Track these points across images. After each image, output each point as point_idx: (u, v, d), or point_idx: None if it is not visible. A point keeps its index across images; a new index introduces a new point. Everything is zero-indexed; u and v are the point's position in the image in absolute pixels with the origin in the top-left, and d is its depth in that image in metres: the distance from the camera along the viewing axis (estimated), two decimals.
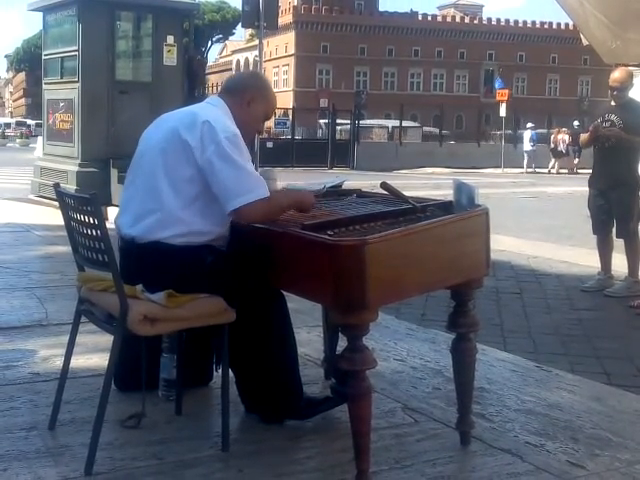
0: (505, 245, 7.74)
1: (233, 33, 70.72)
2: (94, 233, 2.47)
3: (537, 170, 27.34)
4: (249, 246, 2.68)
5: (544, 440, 2.82)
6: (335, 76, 65.52)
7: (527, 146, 28.00)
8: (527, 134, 28.25)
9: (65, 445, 2.63)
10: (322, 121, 29.89)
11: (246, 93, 2.82)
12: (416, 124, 37.72)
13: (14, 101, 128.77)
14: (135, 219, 2.68)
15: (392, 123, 35.86)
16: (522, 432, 2.89)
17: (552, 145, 27.35)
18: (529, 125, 28.66)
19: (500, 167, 27.62)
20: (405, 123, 33.88)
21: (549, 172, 26.75)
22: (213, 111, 2.73)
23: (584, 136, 6.24)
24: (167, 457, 2.58)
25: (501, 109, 28.06)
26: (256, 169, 2.73)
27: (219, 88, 3.03)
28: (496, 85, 31.29)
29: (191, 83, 10.75)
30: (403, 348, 3.95)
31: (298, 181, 3.84)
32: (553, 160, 27.44)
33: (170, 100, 9.26)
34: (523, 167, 27.93)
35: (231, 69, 76.35)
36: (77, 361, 3.13)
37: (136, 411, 2.81)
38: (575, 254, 7.64)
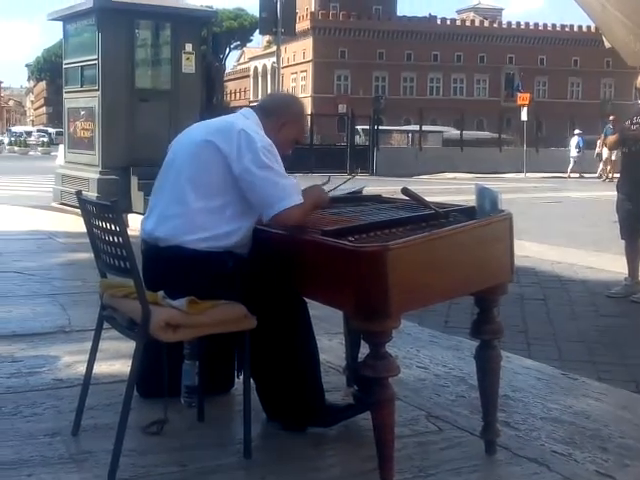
0: (529, 251, 7.67)
1: (251, 40, 71.08)
2: (116, 240, 2.48)
3: (584, 175, 26.97)
4: (270, 253, 2.68)
5: (571, 449, 2.78)
6: (353, 82, 65.55)
7: (573, 152, 27.70)
8: (574, 140, 27.91)
9: (88, 451, 2.64)
10: (360, 127, 29.82)
11: (281, 117, 2.87)
12: (450, 128, 37.06)
13: (35, 110, 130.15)
14: (160, 222, 2.71)
15: (430, 128, 35.60)
16: (549, 441, 2.85)
17: (598, 150, 26.95)
18: (577, 131, 28.28)
19: (522, 172, 27.44)
20: (436, 128, 33.63)
21: (599, 177, 26.23)
22: (248, 123, 2.77)
23: (611, 138, 6.20)
24: (189, 464, 2.57)
25: (522, 113, 27.88)
26: None
27: (248, 97, 3.05)
28: (516, 88, 31.00)
29: (209, 90, 10.85)
30: (426, 355, 3.92)
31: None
32: (601, 165, 26.96)
33: (189, 107, 9.34)
34: (566, 172, 27.57)
35: (249, 76, 76.70)
36: (100, 367, 3.14)
37: (158, 418, 2.81)
38: (601, 260, 7.56)
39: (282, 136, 2.86)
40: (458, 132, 32.14)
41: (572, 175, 27.20)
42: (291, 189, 2.65)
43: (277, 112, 2.88)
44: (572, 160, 27.71)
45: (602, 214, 10.03)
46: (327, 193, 2.88)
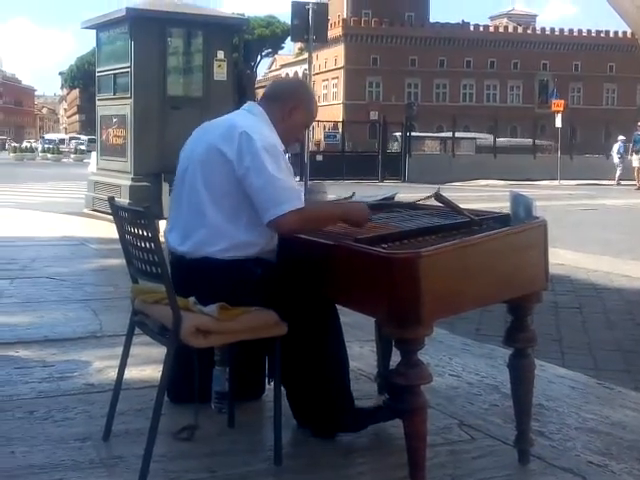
0: (564, 259, 7.58)
1: (282, 47, 71.36)
2: (147, 246, 2.48)
3: (621, 183, 26.49)
4: (301, 259, 2.65)
5: (608, 460, 2.72)
6: (385, 88, 65.49)
7: (616, 158, 27.28)
8: (616, 146, 27.49)
9: (119, 456, 2.64)
10: (398, 134, 29.74)
11: (288, 101, 2.79)
12: (487, 135, 36.49)
13: (68, 117, 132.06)
14: (183, 236, 2.69)
15: (464, 135, 35.23)
16: (584, 451, 2.80)
17: (629, 157, 26.46)
18: (620, 137, 27.87)
19: (556, 179, 27.17)
20: (470, 134, 33.26)
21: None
22: (251, 120, 2.72)
23: None
24: (220, 470, 2.56)
25: (557, 120, 27.62)
26: (306, 182, 2.72)
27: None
28: (552, 95, 30.64)
29: (241, 97, 10.90)
30: (458, 363, 3.88)
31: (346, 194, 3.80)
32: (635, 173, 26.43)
33: (220, 114, 9.23)
34: (615, 179, 27.11)
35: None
36: (131, 372, 3.15)
37: (189, 423, 2.81)
38: (636, 268, 7.45)
39: (292, 121, 2.79)
40: (493, 138, 31.91)
41: (621, 182, 26.51)
42: (288, 194, 2.54)
43: (283, 97, 2.81)
44: (618, 167, 27.14)
45: (638, 222, 9.87)
46: (367, 212, 2.72)
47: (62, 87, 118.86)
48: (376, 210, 3.13)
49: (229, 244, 2.60)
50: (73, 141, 62.44)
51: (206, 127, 2.84)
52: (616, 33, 67.85)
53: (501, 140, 34.02)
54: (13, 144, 55.93)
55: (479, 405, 3.26)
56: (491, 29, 70.61)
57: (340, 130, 31.32)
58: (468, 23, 69.29)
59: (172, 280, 2.53)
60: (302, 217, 2.56)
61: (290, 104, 2.79)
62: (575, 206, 16.36)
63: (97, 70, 10.75)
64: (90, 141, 47.98)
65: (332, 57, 66.60)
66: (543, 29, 71.56)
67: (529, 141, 33.27)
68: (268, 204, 2.53)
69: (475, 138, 36.07)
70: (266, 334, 2.59)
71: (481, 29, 69.29)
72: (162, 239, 2.61)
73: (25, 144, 53.87)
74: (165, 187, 9.32)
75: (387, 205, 3.23)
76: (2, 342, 4.00)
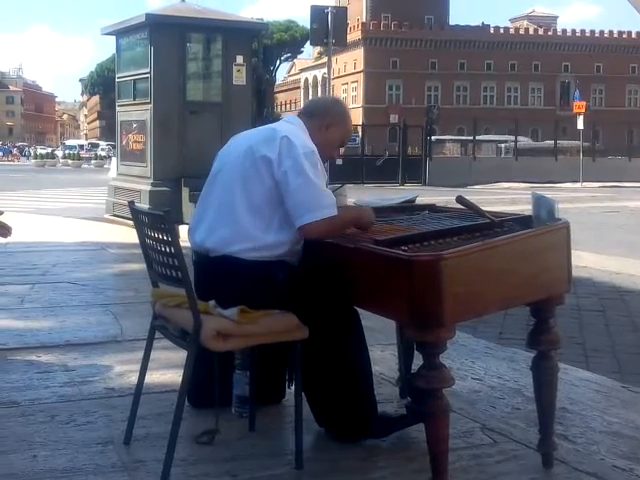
0: (586, 261, 7.51)
1: (301, 51, 71.50)
2: (168, 250, 2.48)
3: None
4: (322, 262, 2.65)
5: (633, 464, 2.68)
6: (405, 91, 65.45)
7: None
8: None
9: (140, 460, 2.64)
10: (448, 137, 29.55)
11: (326, 117, 2.85)
12: (527, 139, 35.99)
13: (89, 123, 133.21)
14: (209, 232, 2.70)
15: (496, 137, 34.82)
16: (609, 455, 2.76)
17: None
18: None
19: (579, 181, 26.98)
20: (500, 137, 32.88)
21: None
22: (291, 128, 2.76)
23: None
24: (240, 474, 2.55)
25: (578, 122, 27.42)
26: (326, 186, 2.72)
27: (299, 108, 3.06)
28: (575, 97, 30.34)
29: (260, 102, 10.91)
30: (481, 367, 3.85)
31: (368, 197, 3.80)
32: None
33: (239, 119, 9.40)
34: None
35: (299, 87, 77.18)
36: (151, 377, 3.15)
37: (210, 427, 2.80)
38: None
39: (328, 138, 2.84)
40: (529, 141, 31.64)
41: None
42: (325, 201, 2.61)
43: (321, 114, 2.86)
44: None
45: None
46: (373, 216, 2.79)
47: (82, 93, 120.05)
48: (397, 212, 3.13)
49: (255, 245, 2.62)
50: (93, 147, 62.83)
51: (245, 134, 2.89)
52: (638, 34, 67.41)
53: (528, 142, 33.75)
54: (39, 150, 56.43)
55: (502, 409, 3.23)
56: (511, 31, 70.36)
57: (360, 134, 31.26)
58: (488, 25, 69.10)
59: (194, 280, 2.55)
60: (331, 224, 2.61)
61: (327, 120, 2.84)
62: (598, 208, 16.23)
63: (117, 76, 10.83)
64: (110, 146, 48.27)
65: (351, 61, 66.66)
66: (564, 31, 71.18)
67: (553, 143, 32.96)
68: (303, 209, 2.58)
69: (507, 141, 35.67)
70: (287, 338, 2.58)
71: (501, 31, 69.08)
72: (183, 243, 2.61)
73: (40, 151, 54.16)
74: (185, 192, 9.36)
75: (408, 208, 3.22)
76: (24, 347, 4.02)
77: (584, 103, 28.57)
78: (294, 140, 2.64)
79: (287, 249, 2.67)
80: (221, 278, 2.64)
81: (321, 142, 2.79)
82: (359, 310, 2.70)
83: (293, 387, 2.75)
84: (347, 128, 2.95)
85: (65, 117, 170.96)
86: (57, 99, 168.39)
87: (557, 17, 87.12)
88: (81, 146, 63.23)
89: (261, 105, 10.86)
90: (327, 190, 2.67)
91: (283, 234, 2.65)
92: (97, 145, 64.59)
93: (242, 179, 2.66)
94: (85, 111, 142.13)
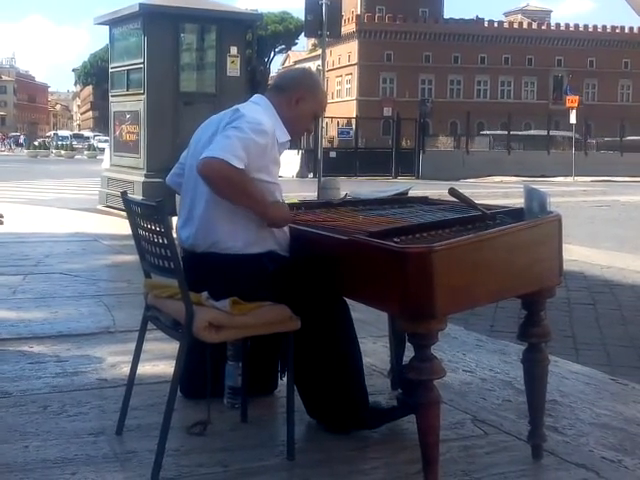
0: (577, 255, 7.55)
1: (296, 43, 71.23)
2: (160, 240, 2.48)
3: None
4: (314, 254, 2.65)
5: (621, 455, 2.71)
6: (399, 85, 65.34)
7: None
8: None
9: (132, 451, 2.65)
10: (489, 132, 29.39)
11: (295, 91, 2.78)
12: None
13: (82, 114, 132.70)
14: (189, 230, 2.70)
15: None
16: (597, 447, 2.78)
17: None
18: None
19: (571, 175, 27.04)
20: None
21: None
22: (253, 108, 2.71)
23: None
24: (232, 465, 2.56)
25: (571, 116, 27.49)
26: (319, 178, 2.71)
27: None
28: (565, 91, 30.34)
29: (254, 93, 10.86)
30: (472, 359, 3.87)
31: (362, 189, 3.81)
32: None
33: None
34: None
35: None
36: (144, 368, 3.15)
37: (202, 418, 2.81)
38: None
39: (299, 111, 2.78)
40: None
41: None
42: (238, 152, 2.47)
43: (290, 87, 2.80)
44: None
45: None
46: (289, 218, 2.69)
47: (75, 84, 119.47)
48: (390, 204, 3.13)
49: (233, 235, 2.60)
50: (77, 138, 62.24)
51: (211, 119, 2.82)
52: (631, 29, 67.47)
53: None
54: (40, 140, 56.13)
55: (492, 400, 3.25)
56: (505, 25, 70.31)
57: (353, 126, 31.25)
58: (482, 19, 69.02)
59: (185, 274, 2.54)
60: (230, 171, 2.45)
61: (296, 95, 2.77)
62: (589, 202, 16.29)
63: (110, 66, 10.78)
64: (96, 137, 47.42)
65: (346, 53, 66.49)
66: (558, 25, 71.15)
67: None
68: (213, 146, 2.49)
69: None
70: (279, 329, 2.58)
71: (495, 25, 68.99)
72: (176, 234, 2.61)
73: (36, 142, 53.94)
74: None
75: (401, 200, 3.23)
76: (16, 337, 4.02)
77: (577, 97, 28.67)
78: (244, 112, 2.60)
79: (265, 236, 2.62)
80: (210, 272, 2.63)
81: (292, 117, 2.75)
82: (351, 302, 2.70)
83: (285, 378, 2.76)
84: (319, 100, 2.86)
85: (58, 107, 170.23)
86: (50, 89, 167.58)
87: (551, 11, 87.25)
88: (64, 137, 62.76)
89: None
90: (241, 145, 2.49)
91: (255, 220, 2.60)
92: (81, 136, 64.14)
93: None
94: (78, 101, 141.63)
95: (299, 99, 2.77)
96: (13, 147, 56.52)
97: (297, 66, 70.29)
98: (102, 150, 41.21)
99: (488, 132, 38.51)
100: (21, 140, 59.48)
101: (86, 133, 67.72)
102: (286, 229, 2.69)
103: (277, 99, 2.78)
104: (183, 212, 2.79)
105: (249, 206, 2.58)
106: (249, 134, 2.53)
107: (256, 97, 2.86)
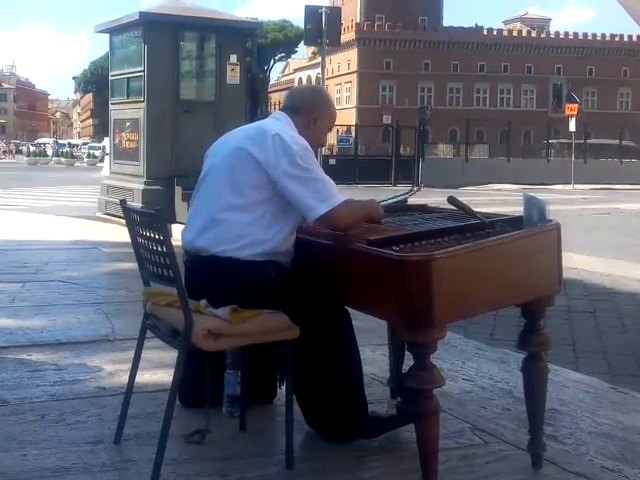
0: (577, 263, 7.54)
1: (295, 51, 71.47)
2: (159, 248, 2.48)
3: None
4: (314, 262, 2.65)
5: (622, 465, 2.70)
6: (399, 92, 65.49)
7: None
8: None
9: (130, 459, 2.64)
10: (557, 141, 29.35)
11: (312, 113, 2.86)
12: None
13: (82, 122, 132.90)
14: (200, 231, 2.71)
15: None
16: (598, 456, 2.77)
17: None
18: None
19: (570, 183, 27.05)
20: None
21: None
22: (280, 126, 2.76)
23: None
24: (231, 474, 2.55)
25: (570, 124, 27.52)
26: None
27: (281, 104, 3.05)
28: (567, 99, 30.39)
29: (254, 101, 10.90)
30: (472, 368, 3.86)
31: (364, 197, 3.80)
32: None
33: (233, 119, 9.34)
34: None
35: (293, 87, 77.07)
36: (142, 376, 3.14)
37: (200, 427, 2.80)
38: None
39: (317, 130, 2.88)
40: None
41: None
42: (333, 189, 2.64)
43: (305, 110, 2.86)
44: None
45: None
46: (382, 209, 2.84)
47: (76, 91, 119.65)
48: (389, 213, 3.13)
49: (246, 242, 2.62)
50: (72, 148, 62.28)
51: (233, 132, 2.88)
52: (630, 37, 67.64)
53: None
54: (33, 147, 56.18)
55: (492, 409, 3.24)
56: (505, 33, 70.51)
57: (353, 134, 31.28)
58: (482, 27, 69.22)
59: (185, 279, 2.54)
60: (349, 208, 2.64)
61: (313, 115, 2.86)
62: (589, 210, 16.30)
63: (110, 74, 10.79)
64: (85, 145, 47.02)
65: (345, 61, 66.64)
66: (557, 33, 71.36)
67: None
68: (315, 202, 2.59)
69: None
70: (278, 337, 2.58)
71: (495, 33, 69.20)
72: (175, 242, 2.61)
73: (34, 149, 53.90)
74: (178, 191, 9.34)
75: (400, 208, 3.23)
76: (15, 345, 4.01)
77: (576, 105, 28.69)
78: (286, 138, 2.65)
79: (277, 246, 2.66)
80: (212, 277, 2.64)
81: (312, 136, 2.81)
82: (350, 310, 2.70)
83: (284, 387, 2.75)
84: (332, 115, 2.98)
85: (58, 115, 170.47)
86: (50, 97, 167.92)
87: (550, 19, 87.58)
88: (62, 144, 62.83)
89: (255, 105, 10.85)
90: (330, 180, 2.68)
91: (273, 232, 2.65)
92: (75, 145, 64.17)
93: (232, 179, 2.67)
94: (78, 109, 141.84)
95: (316, 119, 2.86)
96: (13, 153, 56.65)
97: (300, 79, 70.45)
98: (97, 157, 41.26)
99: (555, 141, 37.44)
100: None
101: (74, 141, 67.38)
102: (291, 238, 2.72)
103: (295, 119, 2.84)
104: (191, 216, 2.81)
105: (365, 220, 2.74)
106: (311, 164, 2.64)
107: (278, 114, 2.91)
